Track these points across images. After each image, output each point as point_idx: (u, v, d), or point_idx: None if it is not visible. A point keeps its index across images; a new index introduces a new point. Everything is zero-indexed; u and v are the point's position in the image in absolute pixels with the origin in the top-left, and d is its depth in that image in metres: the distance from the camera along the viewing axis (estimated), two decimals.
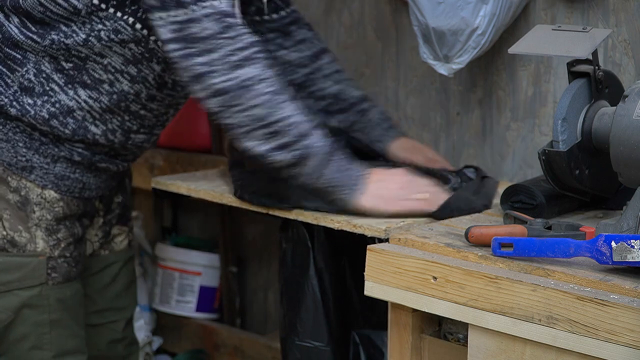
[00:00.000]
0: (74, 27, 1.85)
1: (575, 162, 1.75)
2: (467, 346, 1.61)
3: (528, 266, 1.57)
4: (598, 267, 1.54)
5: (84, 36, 1.85)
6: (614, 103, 1.78)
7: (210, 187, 2.11)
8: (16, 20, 1.87)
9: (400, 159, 2.13)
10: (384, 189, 1.84)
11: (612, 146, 1.66)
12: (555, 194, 1.83)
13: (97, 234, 2.10)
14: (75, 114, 1.89)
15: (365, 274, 1.72)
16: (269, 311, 2.81)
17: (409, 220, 1.84)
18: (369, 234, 1.81)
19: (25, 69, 1.87)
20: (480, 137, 2.30)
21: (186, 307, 2.71)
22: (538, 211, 1.82)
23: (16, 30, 1.86)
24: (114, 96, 1.90)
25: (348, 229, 1.85)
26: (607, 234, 1.51)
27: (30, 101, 1.87)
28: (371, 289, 1.71)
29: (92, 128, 1.91)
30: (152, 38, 1.85)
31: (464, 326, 1.64)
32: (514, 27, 2.16)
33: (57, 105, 1.88)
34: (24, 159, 1.89)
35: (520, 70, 2.21)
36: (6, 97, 1.87)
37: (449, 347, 1.72)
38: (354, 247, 1.95)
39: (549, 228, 1.65)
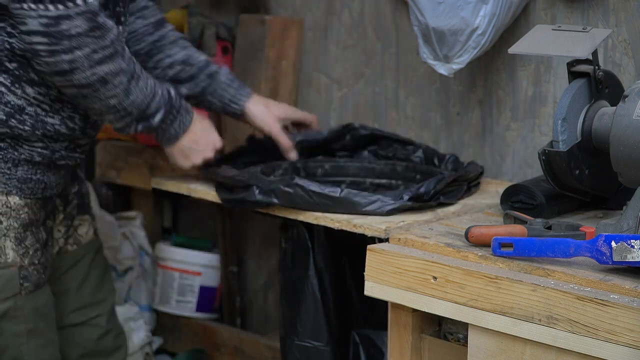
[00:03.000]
0: (6, 24, 1.82)
1: (575, 162, 1.75)
2: (467, 346, 1.61)
3: (528, 266, 1.57)
4: (598, 267, 1.54)
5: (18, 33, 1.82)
6: (614, 103, 1.78)
7: (210, 187, 2.11)
8: None
9: (261, 119, 2.22)
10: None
11: (612, 146, 1.66)
12: (555, 194, 1.83)
13: (60, 230, 2.07)
14: (27, 111, 1.87)
15: (365, 274, 1.72)
16: (269, 311, 2.80)
17: (409, 220, 1.84)
18: (369, 234, 1.81)
19: None
20: (480, 137, 2.30)
21: (186, 307, 2.71)
22: (538, 211, 1.82)
23: None
24: None
25: (348, 229, 1.85)
26: (607, 234, 1.51)
27: None
28: (371, 289, 1.71)
29: (49, 120, 1.89)
30: None
31: (464, 326, 1.64)
32: (514, 27, 2.16)
33: (8, 106, 1.85)
34: None
35: (520, 70, 2.21)
36: None
37: (449, 347, 1.72)
38: (354, 247, 1.95)
39: (549, 228, 1.65)
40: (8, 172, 1.87)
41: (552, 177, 1.79)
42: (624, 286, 1.47)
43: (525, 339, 1.52)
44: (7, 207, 1.88)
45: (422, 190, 1.92)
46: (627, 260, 1.48)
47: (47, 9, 1.74)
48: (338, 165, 2.27)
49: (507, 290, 1.53)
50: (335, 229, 1.87)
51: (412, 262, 1.65)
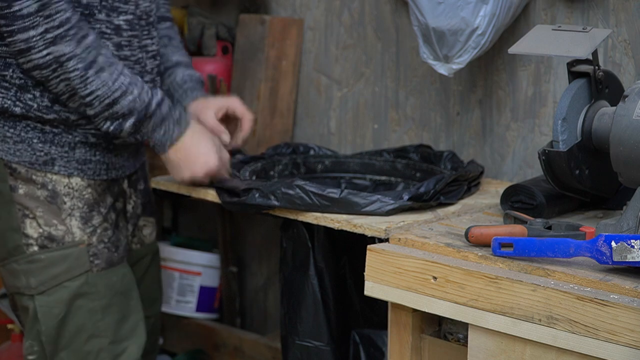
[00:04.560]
0: None
1: (575, 162, 1.76)
2: (467, 346, 1.61)
3: (528, 266, 1.57)
4: (598, 267, 1.54)
5: None
6: (614, 103, 1.78)
7: (210, 188, 2.11)
8: None
9: (194, 113, 2.14)
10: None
11: (612, 146, 1.66)
12: (555, 194, 1.84)
13: (128, 228, 2.12)
14: None
15: (365, 274, 1.72)
16: (269, 311, 2.80)
17: (409, 220, 1.84)
18: (369, 233, 1.81)
19: (11, 69, 1.90)
20: (480, 137, 2.30)
21: (186, 307, 2.71)
22: (538, 211, 1.82)
23: None
24: None
25: (348, 229, 1.85)
26: (607, 234, 1.51)
27: (29, 96, 1.91)
28: (371, 289, 1.71)
29: None
30: None
31: (464, 326, 1.64)
32: (514, 27, 2.16)
33: (52, 92, 1.91)
34: (42, 153, 1.93)
35: (520, 70, 2.21)
36: (9, 99, 1.92)
37: (449, 347, 1.72)
38: (354, 247, 1.95)
39: (549, 228, 1.65)
40: (66, 155, 1.95)
41: (552, 177, 1.79)
42: (624, 286, 1.47)
43: (526, 339, 1.52)
44: (69, 188, 1.95)
45: (422, 190, 1.92)
46: (627, 260, 1.48)
47: None
48: (338, 161, 2.27)
49: (507, 290, 1.53)
50: (335, 229, 1.87)
51: (412, 262, 1.65)
